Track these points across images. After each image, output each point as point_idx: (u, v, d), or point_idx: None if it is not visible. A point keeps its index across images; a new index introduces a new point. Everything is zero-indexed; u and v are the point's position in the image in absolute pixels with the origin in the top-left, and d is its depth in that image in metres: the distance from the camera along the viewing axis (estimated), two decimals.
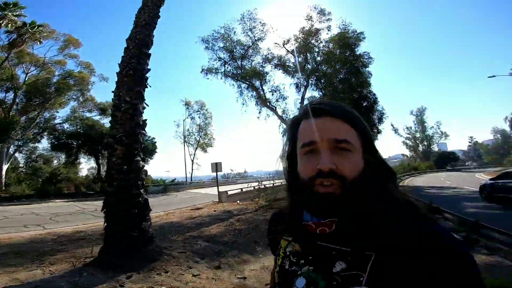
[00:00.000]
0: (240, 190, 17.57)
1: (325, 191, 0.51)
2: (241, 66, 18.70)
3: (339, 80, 18.06)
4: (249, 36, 18.55)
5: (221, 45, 18.56)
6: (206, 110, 38.08)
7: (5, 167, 19.46)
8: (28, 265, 4.09)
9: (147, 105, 4.18)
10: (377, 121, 19.88)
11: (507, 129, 44.35)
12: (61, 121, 22.72)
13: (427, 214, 0.57)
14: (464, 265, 0.45)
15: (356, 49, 17.92)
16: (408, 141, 58.63)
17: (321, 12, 18.09)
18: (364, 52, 18.23)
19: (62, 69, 22.36)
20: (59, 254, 4.71)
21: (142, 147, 4.12)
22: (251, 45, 18.53)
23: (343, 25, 17.99)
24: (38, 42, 20.47)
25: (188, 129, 38.09)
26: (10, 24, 18.02)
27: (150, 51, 4.42)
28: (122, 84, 3.98)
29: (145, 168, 4.32)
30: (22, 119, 20.64)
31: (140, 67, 4.16)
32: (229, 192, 16.26)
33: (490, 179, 11.93)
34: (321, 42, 18.47)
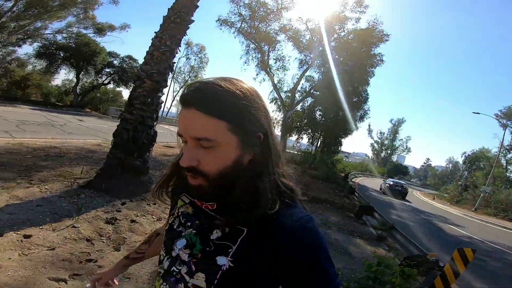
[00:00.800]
0: None
1: (193, 183, 0.54)
2: (257, 27, 18.47)
3: (342, 69, 18.26)
4: (277, 2, 17.95)
5: (247, 1, 18.05)
6: (204, 54, 37.39)
7: None
8: (19, 181, 4.04)
9: (180, 51, 4.66)
10: (358, 118, 21.03)
11: (460, 163, 49.45)
12: (50, 32, 21.91)
13: (300, 204, 0.58)
14: (311, 262, 0.49)
15: (373, 48, 18.05)
16: (375, 145, 62.83)
17: (359, 2, 17.50)
18: (379, 53, 18.45)
19: None
20: (45, 171, 4.74)
21: (166, 85, 4.69)
22: (275, 11, 18.12)
23: (374, 22, 17.64)
24: None
25: (180, 67, 37.90)
26: None
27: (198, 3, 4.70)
28: (166, 28, 4.31)
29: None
30: (12, 25, 19.66)
31: (187, 17, 4.50)
32: None
33: (383, 180, 21.01)
34: (343, 31, 18.31)
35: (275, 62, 19.62)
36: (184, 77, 39.35)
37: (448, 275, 3.38)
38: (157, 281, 0.63)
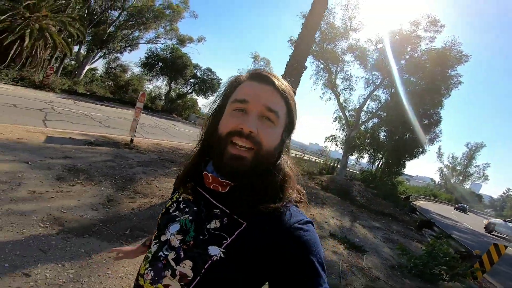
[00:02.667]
0: None
1: (237, 153, 0.55)
2: (325, 48, 19.47)
3: (412, 90, 17.95)
4: (346, 24, 18.82)
5: None
6: (269, 68, 40.86)
7: (87, 67, 24.34)
8: None
9: (295, 93, 7.18)
10: (428, 140, 20.14)
11: None
12: (144, 42, 27.41)
13: (300, 202, 0.63)
14: (304, 262, 0.51)
15: (449, 70, 17.26)
16: (445, 169, 58.36)
17: (433, 22, 17.14)
18: (457, 73, 17.46)
19: None
20: None
21: None
22: (343, 32, 19.01)
23: (451, 43, 16.91)
24: None
25: None
26: None
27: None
28: (290, 73, 6.60)
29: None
30: (120, 33, 24.92)
31: (303, 64, 6.85)
32: None
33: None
34: (416, 51, 18.09)
35: (342, 82, 20.56)
36: None
37: (484, 262, 5.14)
38: (143, 265, 0.63)
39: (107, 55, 26.86)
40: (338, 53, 19.89)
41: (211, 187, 0.59)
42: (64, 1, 17.74)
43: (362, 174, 21.66)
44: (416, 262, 4.95)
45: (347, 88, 20.63)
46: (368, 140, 21.26)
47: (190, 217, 0.60)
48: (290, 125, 0.63)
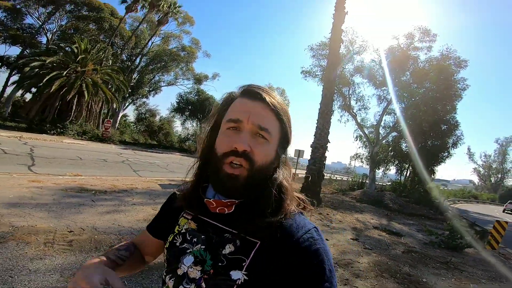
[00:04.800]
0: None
1: (231, 172, 0.58)
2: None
3: (423, 100, 19.38)
4: (349, 48, 21.03)
5: (323, 53, 21.24)
6: (285, 97, 41.20)
7: (121, 114, 26.93)
8: None
9: (329, 132, 9.83)
10: (451, 145, 21.05)
11: None
12: (165, 85, 30.46)
13: (305, 212, 0.67)
14: (315, 264, 0.56)
15: (452, 77, 18.72)
16: (481, 169, 57.52)
17: (425, 33, 19.21)
18: (461, 77, 18.82)
19: (178, 42, 29.80)
20: None
21: (327, 150, 9.75)
22: (347, 55, 21.15)
23: (447, 51, 18.82)
24: (176, 21, 27.55)
25: None
26: (164, 5, 24.48)
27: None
28: (324, 117, 9.48)
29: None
30: (146, 78, 27.77)
31: (330, 108, 9.68)
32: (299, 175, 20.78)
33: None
34: (417, 64, 19.95)
35: (356, 103, 22.52)
36: None
37: (494, 235, 7.17)
38: None
39: (135, 101, 29.33)
40: (347, 75, 21.93)
41: (217, 211, 0.62)
42: (102, 54, 20.16)
43: (391, 185, 23.13)
44: (442, 238, 7.08)
45: (362, 108, 22.54)
46: (392, 153, 23.05)
47: (203, 246, 0.62)
48: (284, 140, 0.65)
